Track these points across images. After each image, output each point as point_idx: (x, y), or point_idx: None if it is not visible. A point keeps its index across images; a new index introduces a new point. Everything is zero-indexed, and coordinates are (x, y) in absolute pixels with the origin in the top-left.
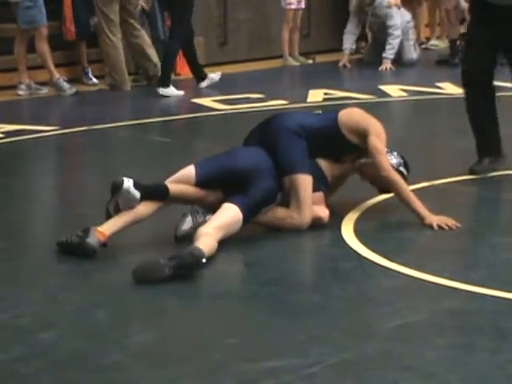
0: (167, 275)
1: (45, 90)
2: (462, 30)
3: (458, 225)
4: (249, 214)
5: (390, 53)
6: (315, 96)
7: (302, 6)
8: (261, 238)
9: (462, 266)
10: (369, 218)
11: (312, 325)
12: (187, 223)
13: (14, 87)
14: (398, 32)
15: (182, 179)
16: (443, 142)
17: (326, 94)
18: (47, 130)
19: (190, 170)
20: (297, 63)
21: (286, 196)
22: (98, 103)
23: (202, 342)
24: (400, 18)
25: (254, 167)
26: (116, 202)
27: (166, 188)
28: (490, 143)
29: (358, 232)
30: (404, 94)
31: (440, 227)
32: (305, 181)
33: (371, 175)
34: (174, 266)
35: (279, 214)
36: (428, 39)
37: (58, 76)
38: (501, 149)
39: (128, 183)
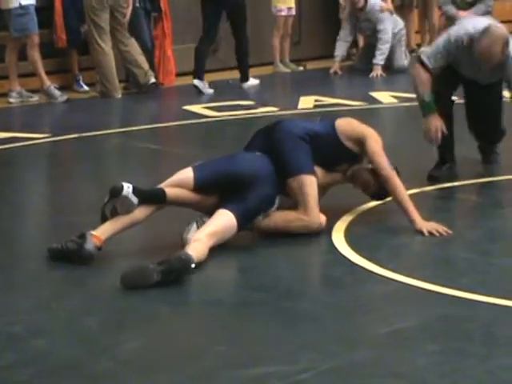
0: (155, 281)
1: (36, 98)
2: None
3: (449, 231)
4: (244, 220)
5: (379, 59)
6: (306, 103)
7: (293, 12)
8: (251, 245)
9: (452, 272)
10: (359, 225)
11: (302, 331)
12: (192, 231)
13: (5, 95)
14: (387, 37)
15: (180, 183)
16: (433, 149)
17: (316, 100)
18: (38, 137)
19: (188, 174)
20: (288, 70)
21: (290, 199)
22: (89, 111)
23: (192, 349)
24: (392, 24)
25: (253, 172)
26: (114, 206)
27: (164, 193)
28: (449, 151)
29: (349, 238)
30: (395, 100)
31: (430, 233)
32: (311, 181)
33: (364, 181)
34: (163, 271)
35: (286, 217)
36: (419, 46)
37: (49, 83)
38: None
39: (128, 189)
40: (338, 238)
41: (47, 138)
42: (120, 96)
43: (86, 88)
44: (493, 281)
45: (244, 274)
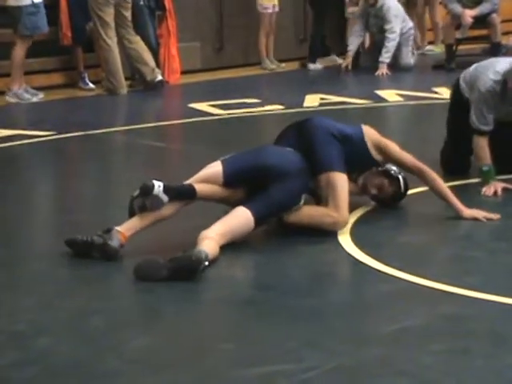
0: (163, 276)
1: (41, 95)
2: (458, 35)
3: (497, 216)
4: (264, 216)
5: (385, 56)
6: (311, 101)
7: (277, 9)
8: (257, 243)
9: (458, 271)
10: (365, 223)
11: (308, 330)
12: None
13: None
14: (394, 35)
15: (209, 178)
16: (439, 147)
17: (322, 99)
18: (43, 135)
19: (217, 169)
20: (273, 66)
21: (319, 194)
22: (95, 108)
23: (198, 348)
24: (400, 24)
25: (283, 167)
26: (143, 203)
27: (194, 190)
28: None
29: (355, 236)
30: (400, 98)
31: (479, 220)
32: (342, 179)
33: (378, 184)
34: (172, 268)
35: (316, 212)
36: (429, 43)
37: (19, 85)
38: None
39: (158, 188)
40: (344, 236)
41: (52, 135)
42: (126, 93)
43: (91, 86)
44: (499, 279)
45: (250, 272)
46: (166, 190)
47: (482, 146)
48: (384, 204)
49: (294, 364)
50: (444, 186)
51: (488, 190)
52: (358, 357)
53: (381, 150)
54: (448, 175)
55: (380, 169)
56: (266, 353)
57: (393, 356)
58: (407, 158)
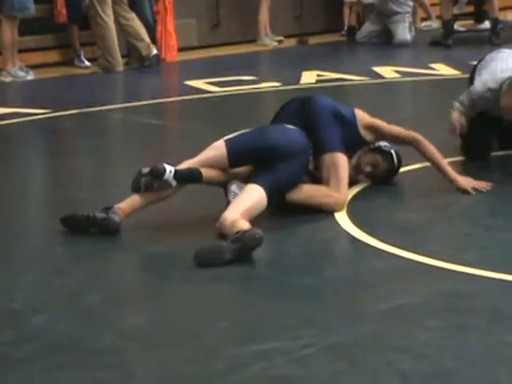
0: (228, 259)
1: (31, 73)
2: (455, 10)
3: (489, 186)
4: (273, 194)
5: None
6: (308, 78)
7: None
8: (254, 222)
9: (455, 248)
10: (362, 200)
11: (304, 307)
12: (233, 192)
13: None
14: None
15: (214, 162)
16: (436, 123)
17: (319, 75)
18: (39, 112)
19: (221, 153)
20: (274, 43)
21: (318, 174)
22: (91, 86)
23: (194, 326)
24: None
25: (287, 145)
26: (151, 183)
27: (201, 175)
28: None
29: (352, 214)
30: (397, 75)
31: (475, 190)
32: (344, 160)
33: (372, 161)
34: (236, 250)
35: (317, 192)
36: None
37: (13, 65)
38: None
39: (169, 174)
40: (341, 213)
41: (48, 113)
42: (122, 70)
43: (87, 63)
44: (496, 256)
45: None
46: (176, 175)
47: (456, 117)
48: (378, 181)
49: (291, 341)
50: (439, 155)
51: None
52: (354, 334)
53: (373, 129)
54: (469, 160)
55: (372, 146)
56: (263, 330)
57: (389, 333)
58: (400, 131)
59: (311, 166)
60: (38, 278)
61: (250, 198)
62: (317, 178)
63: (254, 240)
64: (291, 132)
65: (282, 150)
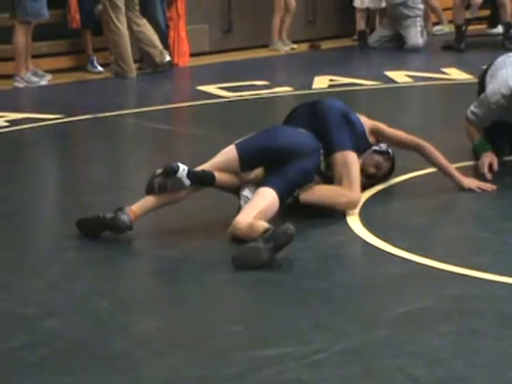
0: (266, 260)
1: (49, 77)
2: (468, 15)
3: (494, 187)
4: (285, 196)
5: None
6: (320, 83)
7: None
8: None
9: (467, 252)
10: (374, 205)
11: (317, 311)
12: (245, 197)
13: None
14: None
15: (226, 166)
16: (448, 128)
17: (331, 80)
18: (52, 118)
19: (232, 156)
20: (286, 48)
21: (331, 175)
22: (103, 91)
23: (206, 330)
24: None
25: (293, 146)
26: (164, 183)
27: (214, 178)
28: None
29: (364, 218)
30: (409, 79)
31: (480, 189)
32: (354, 158)
33: (377, 162)
34: (271, 249)
35: (330, 192)
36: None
37: (26, 70)
38: None
39: (183, 172)
40: (353, 217)
41: (61, 118)
42: (135, 76)
43: (100, 69)
44: (508, 260)
45: None
46: (189, 174)
47: (469, 130)
48: (376, 182)
49: (303, 346)
50: (443, 159)
51: (482, 165)
52: (366, 338)
53: (376, 132)
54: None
55: (373, 148)
56: (275, 335)
57: (401, 337)
58: (403, 135)
59: (323, 167)
60: (50, 283)
61: (262, 202)
62: (329, 179)
63: (286, 236)
64: (299, 133)
65: (292, 150)
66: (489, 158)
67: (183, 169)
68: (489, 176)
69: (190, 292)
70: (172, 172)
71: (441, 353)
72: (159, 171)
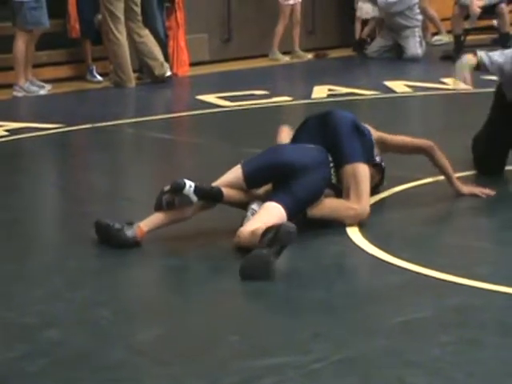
0: (272, 263)
1: (48, 87)
2: (466, 25)
3: (492, 193)
4: (293, 211)
5: None
6: (320, 92)
7: (300, 0)
8: None
9: (467, 262)
10: (373, 214)
11: (316, 321)
12: (251, 210)
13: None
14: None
15: (231, 184)
16: (448, 138)
17: (330, 90)
18: (51, 127)
19: (237, 174)
20: (286, 58)
21: (342, 187)
22: (103, 101)
23: (205, 340)
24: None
25: (298, 162)
26: (172, 199)
27: (222, 194)
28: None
29: (363, 228)
30: (409, 89)
31: (477, 195)
32: (365, 170)
33: (371, 175)
34: (277, 252)
35: (338, 205)
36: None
37: (25, 79)
38: None
39: (190, 189)
40: (353, 227)
41: (60, 128)
42: (134, 86)
43: (99, 78)
44: (508, 270)
45: None
46: (196, 190)
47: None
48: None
49: (302, 355)
50: (447, 163)
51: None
52: (366, 348)
53: (382, 143)
54: (481, 174)
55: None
56: (274, 344)
57: (401, 347)
58: (407, 139)
59: (334, 180)
60: (50, 292)
61: (267, 215)
62: (340, 192)
63: (289, 235)
64: (306, 149)
65: (297, 165)
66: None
67: (190, 185)
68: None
69: (190, 302)
70: (179, 188)
71: (440, 363)
72: (167, 188)
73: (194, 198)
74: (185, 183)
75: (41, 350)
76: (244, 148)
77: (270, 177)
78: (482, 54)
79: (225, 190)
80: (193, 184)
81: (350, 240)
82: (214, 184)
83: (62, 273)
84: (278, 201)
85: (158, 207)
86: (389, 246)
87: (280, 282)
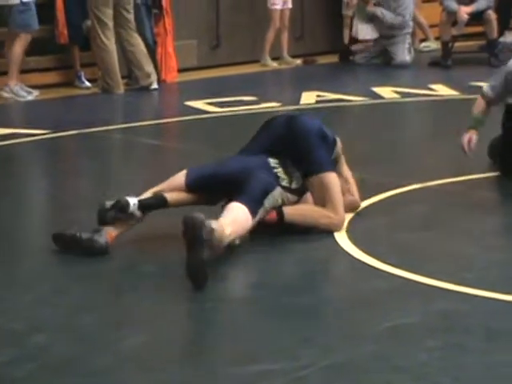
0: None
1: (36, 93)
2: (454, 32)
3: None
4: (253, 206)
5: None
6: (308, 98)
7: (289, 5)
8: (251, 242)
9: (454, 267)
10: (361, 220)
11: (303, 327)
12: None
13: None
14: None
15: (174, 188)
16: (436, 144)
17: (318, 96)
18: (39, 133)
19: (179, 177)
20: (274, 64)
21: (295, 196)
22: (91, 107)
23: (192, 346)
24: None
25: (242, 169)
26: (118, 217)
27: (165, 200)
28: None
29: (351, 233)
30: (397, 95)
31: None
32: (336, 180)
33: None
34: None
35: (314, 213)
36: (423, 40)
37: (16, 82)
38: None
39: (134, 207)
40: (340, 233)
41: (48, 134)
42: (122, 92)
43: (87, 84)
44: (495, 276)
45: (244, 270)
46: (140, 206)
47: (479, 102)
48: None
49: (290, 362)
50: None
51: (462, 142)
52: (353, 354)
53: (337, 159)
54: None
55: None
56: (262, 351)
57: (388, 352)
58: (346, 172)
59: (286, 182)
60: (38, 298)
61: (232, 213)
62: (301, 194)
63: (191, 221)
64: (248, 158)
65: (236, 175)
66: (468, 135)
67: (133, 204)
68: (467, 151)
69: (175, 308)
70: (123, 209)
71: (427, 368)
72: (109, 204)
73: (139, 214)
74: (128, 203)
75: (28, 355)
76: (233, 154)
77: (212, 184)
78: (484, 88)
79: (169, 196)
80: (136, 201)
81: (338, 245)
82: (159, 187)
83: (49, 279)
84: (238, 201)
85: (102, 222)
86: (376, 251)
87: (266, 288)
